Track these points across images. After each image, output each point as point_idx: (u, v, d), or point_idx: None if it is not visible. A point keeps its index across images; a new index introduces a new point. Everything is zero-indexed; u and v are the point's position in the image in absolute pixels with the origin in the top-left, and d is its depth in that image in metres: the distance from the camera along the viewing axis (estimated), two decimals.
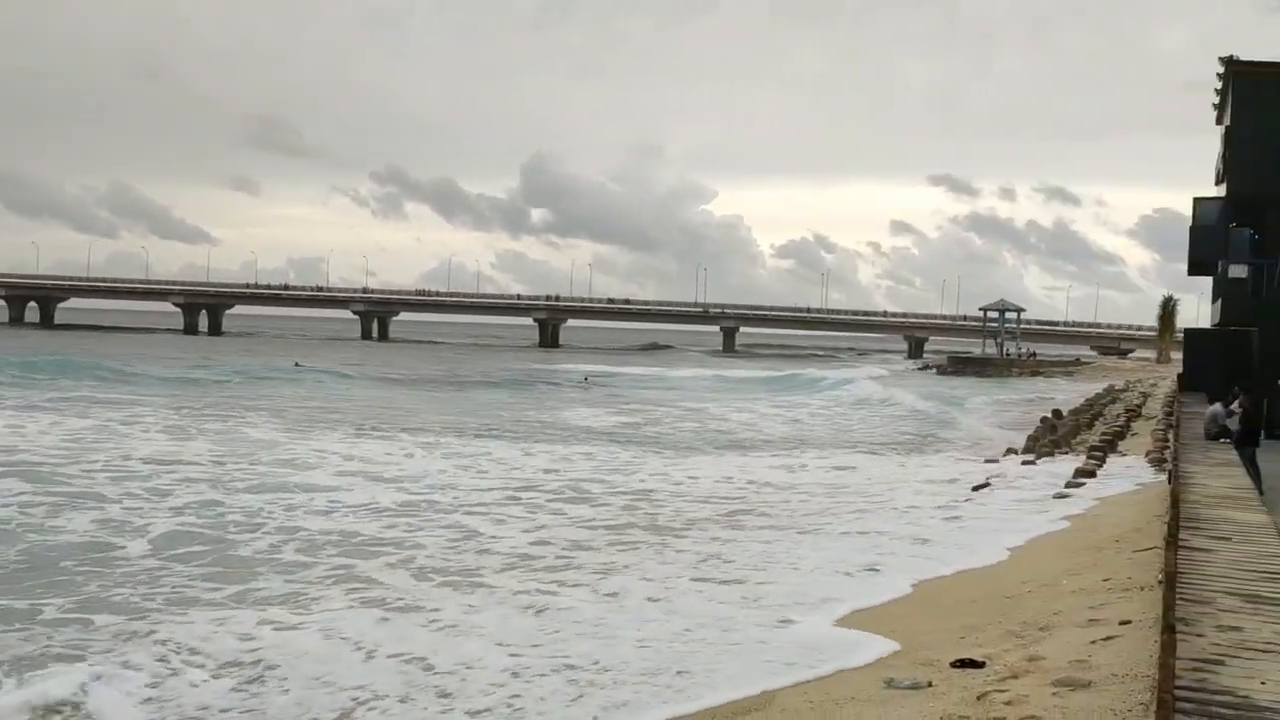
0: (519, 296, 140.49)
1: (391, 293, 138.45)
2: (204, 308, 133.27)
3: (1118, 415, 33.37)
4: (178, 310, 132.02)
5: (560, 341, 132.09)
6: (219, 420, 31.25)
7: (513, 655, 9.24)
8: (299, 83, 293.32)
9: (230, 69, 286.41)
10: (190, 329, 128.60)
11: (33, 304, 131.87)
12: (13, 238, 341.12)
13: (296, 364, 61.61)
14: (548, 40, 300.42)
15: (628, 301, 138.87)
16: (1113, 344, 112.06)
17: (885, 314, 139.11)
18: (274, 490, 18.91)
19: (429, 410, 38.38)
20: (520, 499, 18.98)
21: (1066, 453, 25.33)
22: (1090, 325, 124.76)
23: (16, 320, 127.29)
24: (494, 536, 15.28)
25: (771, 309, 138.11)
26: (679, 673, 8.70)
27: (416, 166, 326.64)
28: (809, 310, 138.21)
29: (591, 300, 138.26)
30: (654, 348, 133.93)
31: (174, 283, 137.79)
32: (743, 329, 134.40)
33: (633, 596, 11.47)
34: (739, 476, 22.54)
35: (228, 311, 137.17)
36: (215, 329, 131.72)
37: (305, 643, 9.74)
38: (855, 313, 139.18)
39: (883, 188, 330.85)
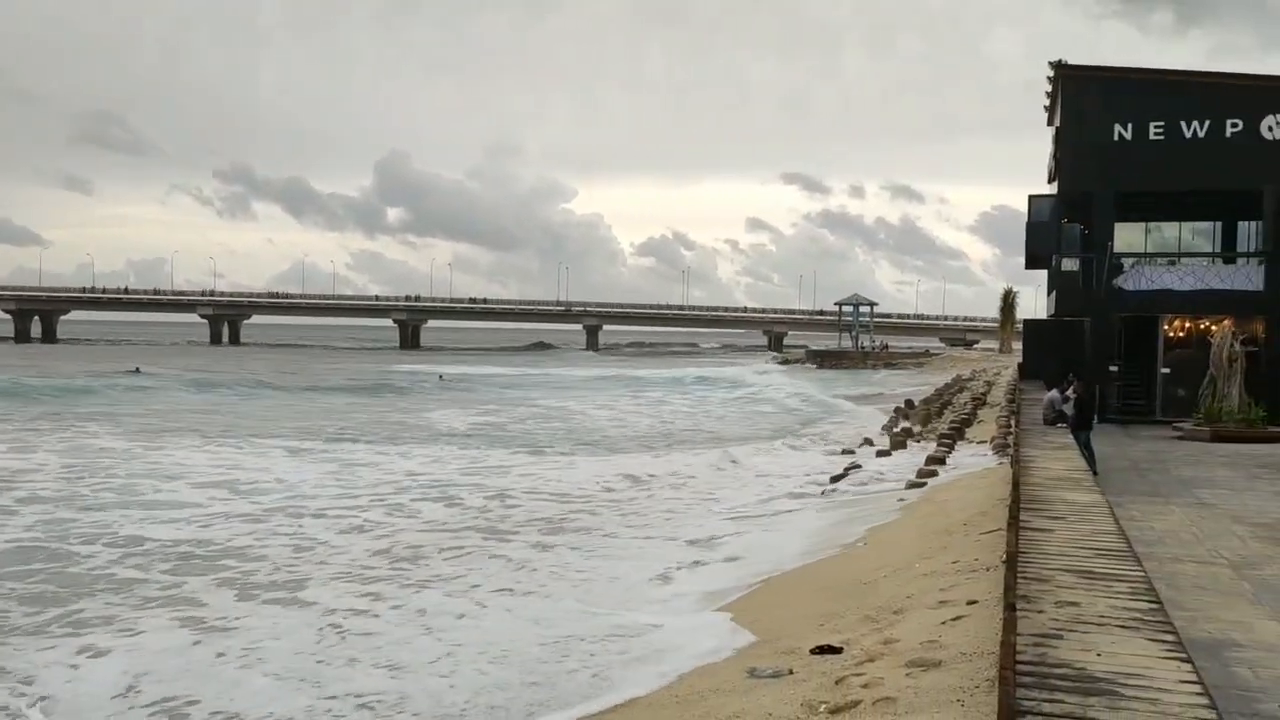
0: (377, 297, 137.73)
1: (242, 295, 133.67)
2: (36, 314, 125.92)
3: (965, 404, 34.87)
4: (8, 317, 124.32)
5: (422, 343, 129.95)
6: (59, 430, 29.56)
7: (296, 690, 8.80)
8: (135, 79, 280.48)
9: (60, 65, 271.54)
10: (22, 336, 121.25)
11: None
12: None
13: (137, 369, 58.84)
14: (398, 38, 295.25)
15: (489, 301, 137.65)
16: (959, 335, 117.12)
17: (745, 309, 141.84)
18: (120, 504, 17.98)
19: (286, 415, 37.18)
20: (383, 501, 18.58)
21: (919, 440, 26.30)
22: (938, 318, 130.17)
23: None
24: (336, 547, 14.84)
25: (634, 306, 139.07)
26: (532, 684, 8.62)
27: (265, 165, 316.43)
28: (669, 307, 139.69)
29: (453, 300, 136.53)
30: (541, 347, 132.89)
31: (3, 288, 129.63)
32: (606, 326, 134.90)
33: (477, 606, 11.29)
34: (605, 474, 22.58)
35: (63, 317, 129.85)
36: (49, 336, 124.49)
37: (64, 684, 9.06)
38: (716, 309, 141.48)
39: (739, 185, 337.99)
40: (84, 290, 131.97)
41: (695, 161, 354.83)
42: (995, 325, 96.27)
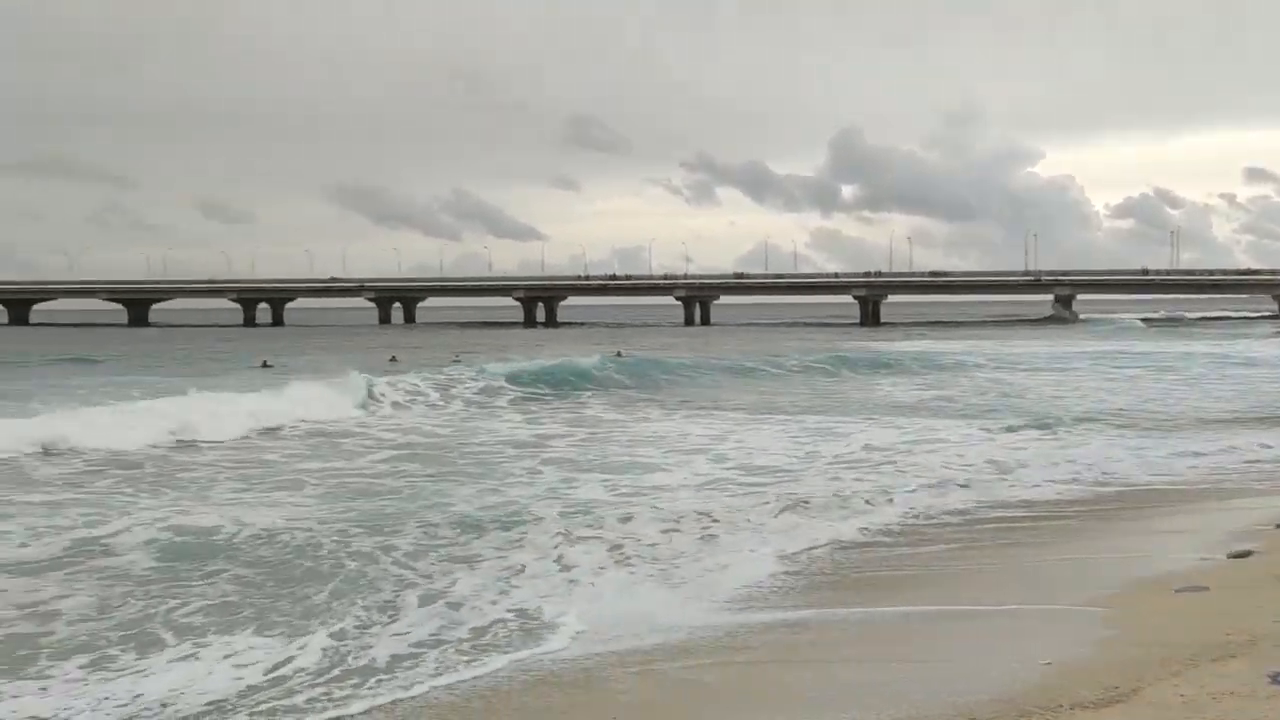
0: (836, 274, 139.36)
1: (710, 277, 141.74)
2: (540, 300, 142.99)
3: None
4: (518, 304, 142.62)
5: (881, 318, 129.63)
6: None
7: None
8: (606, 82, 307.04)
9: (545, 74, 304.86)
10: (529, 321, 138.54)
11: (397, 305, 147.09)
12: (376, 246, 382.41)
13: (619, 353, 63.48)
14: (841, 14, 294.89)
15: (949, 274, 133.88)
16: None
17: (1248, 271, 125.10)
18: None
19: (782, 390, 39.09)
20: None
21: None
22: None
23: (384, 320, 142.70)
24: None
25: (1112, 273, 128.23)
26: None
27: (725, 152, 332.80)
28: (1156, 273, 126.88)
29: (912, 274, 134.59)
30: (1056, 320, 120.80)
31: (515, 279, 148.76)
32: (1080, 297, 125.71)
33: None
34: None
35: (561, 303, 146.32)
36: (551, 320, 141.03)
37: None
38: (1211, 272, 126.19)
39: (1232, 134, 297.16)
40: (578, 278, 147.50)
41: (1179, 110, 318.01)
42: None
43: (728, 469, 20.34)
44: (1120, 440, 23.81)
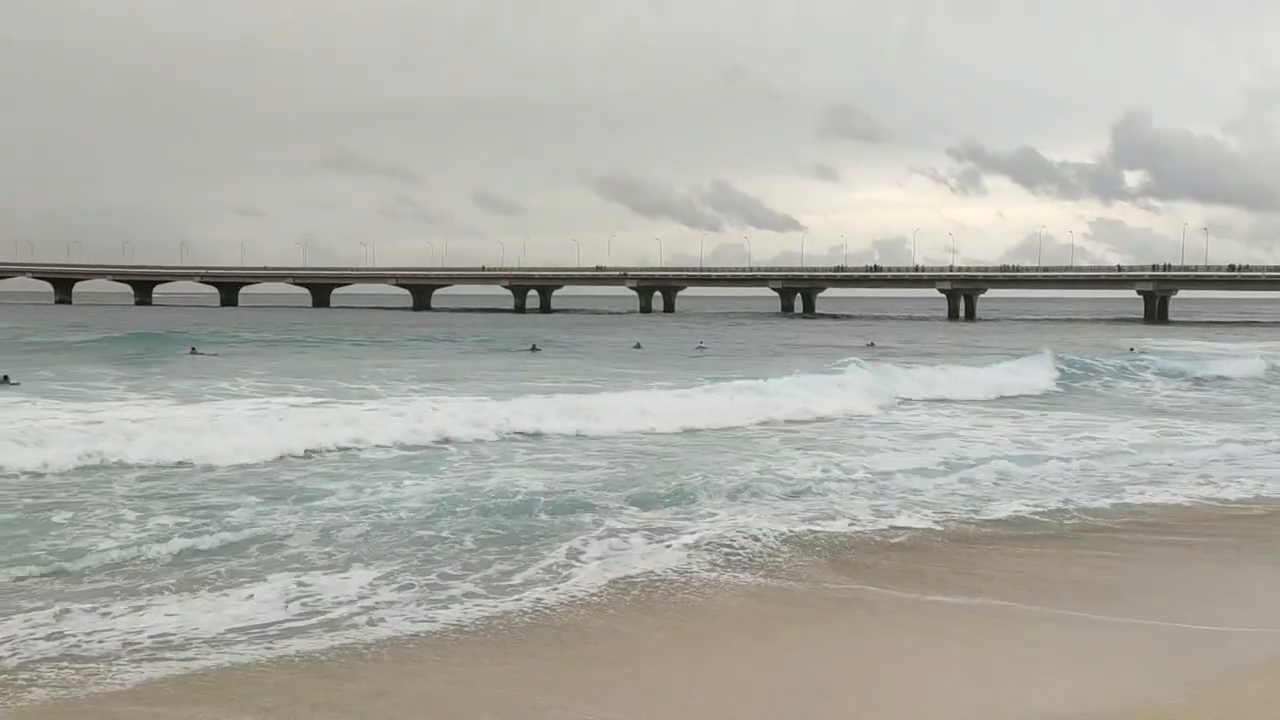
0: (1119, 267, 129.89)
1: (978, 270, 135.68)
2: (799, 291, 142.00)
3: None
4: (775, 295, 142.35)
5: (1170, 316, 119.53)
6: None
7: None
8: (869, 68, 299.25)
9: (802, 63, 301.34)
10: (786, 310, 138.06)
11: (657, 293, 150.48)
12: (637, 236, 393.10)
13: (870, 344, 62.96)
14: None
15: (1250, 269, 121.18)
16: None
17: None
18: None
19: None
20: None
21: None
22: None
23: (645, 309, 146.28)
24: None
25: None
26: None
27: (994, 139, 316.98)
28: None
29: (1207, 269, 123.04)
30: None
31: (771, 269, 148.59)
32: None
33: None
34: None
35: (819, 294, 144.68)
36: (809, 309, 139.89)
37: None
38: None
39: None
40: (836, 270, 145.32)
41: None
42: None
43: None
44: None
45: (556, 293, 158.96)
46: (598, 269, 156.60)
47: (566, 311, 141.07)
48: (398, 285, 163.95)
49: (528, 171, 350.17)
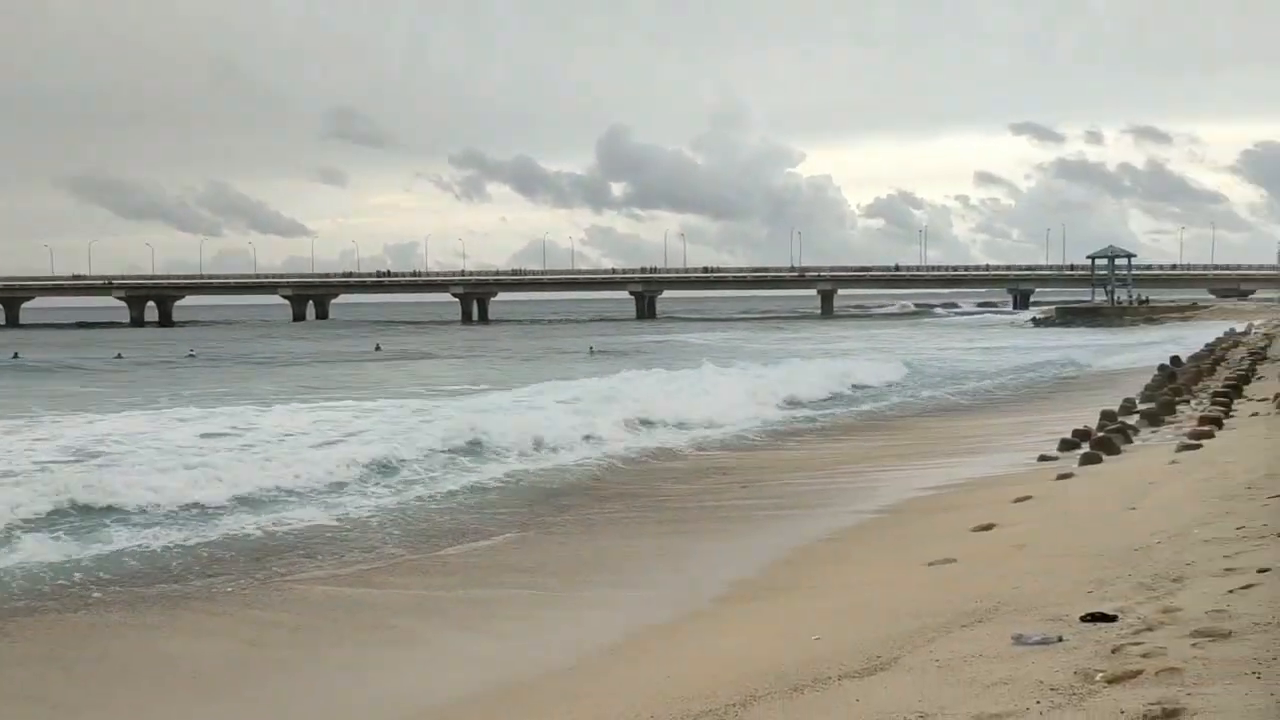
0: (613, 270, 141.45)
1: (488, 273, 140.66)
2: (311, 298, 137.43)
3: (1241, 359, 32.05)
4: (286, 302, 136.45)
5: (657, 313, 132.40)
6: None
7: None
8: (375, 75, 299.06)
9: (304, 65, 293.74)
10: (298, 318, 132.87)
11: (151, 303, 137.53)
12: (124, 241, 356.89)
13: (377, 347, 63.36)
14: (614, 15, 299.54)
15: (721, 270, 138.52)
16: (1231, 285, 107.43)
17: (987, 267, 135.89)
18: None
19: None
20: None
21: (1187, 400, 24.44)
22: (1205, 267, 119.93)
23: (137, 321, 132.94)
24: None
25: (868, 269, 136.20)
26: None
27: (495, 148, 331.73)
28: (906, 268, 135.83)
29: (686, 271, 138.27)
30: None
31: (281, 275, 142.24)
32: (840, 291, 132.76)
33: None
34: None
35: (333, 301, 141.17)
36: (322, 316, 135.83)
37: None
38: (956, 268, 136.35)
39: (965, 139, 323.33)
40: (349, 275, 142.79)
41: (922, 116, 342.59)
42: (1275, 273, 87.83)
43: None
44: None
45: (26, 305, 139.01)
46: (75, 277, 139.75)
47: (43, 327, 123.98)
48: None
49: None
